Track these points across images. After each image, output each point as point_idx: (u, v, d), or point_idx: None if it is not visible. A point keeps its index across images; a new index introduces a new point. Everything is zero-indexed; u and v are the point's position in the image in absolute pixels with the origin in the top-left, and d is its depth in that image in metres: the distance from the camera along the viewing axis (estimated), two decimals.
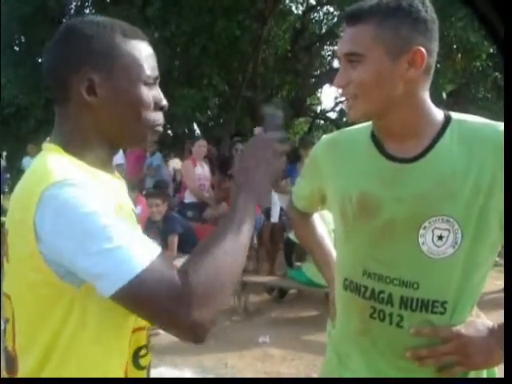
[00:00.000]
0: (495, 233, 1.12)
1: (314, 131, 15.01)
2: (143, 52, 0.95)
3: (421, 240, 1.12)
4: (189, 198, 5.70)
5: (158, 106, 0.97)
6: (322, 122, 15.36)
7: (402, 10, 1.05)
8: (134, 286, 0.79)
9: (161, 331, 3.48)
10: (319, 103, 16.92)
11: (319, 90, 15.19)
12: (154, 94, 0.96)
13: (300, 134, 15.58)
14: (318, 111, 15.86)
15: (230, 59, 9.49)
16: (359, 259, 1.22)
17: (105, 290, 0.81)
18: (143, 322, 0.97)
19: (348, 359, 1.28)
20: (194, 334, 0.83)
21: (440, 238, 1.11)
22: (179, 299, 0.80)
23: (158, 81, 0.98)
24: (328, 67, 13.87)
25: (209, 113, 8.79)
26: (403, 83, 1.08)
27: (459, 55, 7.89)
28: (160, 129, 1.00)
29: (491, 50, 8.27)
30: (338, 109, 15.61)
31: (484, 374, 1.19)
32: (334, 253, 1.45)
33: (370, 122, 1.21)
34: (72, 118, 0.95)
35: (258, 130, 1.25)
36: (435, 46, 1.09)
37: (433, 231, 1.12)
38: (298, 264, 4.84)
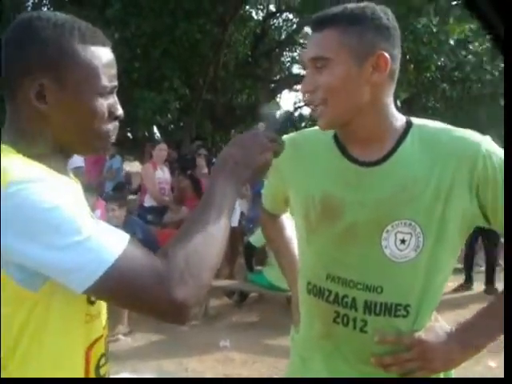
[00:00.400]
0: (455, 237, 1.13)
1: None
2: (102, 60, 0.90)
3: (384, 243, 1.12)
4: (149, 201, 5.61)
5: (112, 116, 0.93)
6: (262, 122, 15.44)
7: (365, 17, 1.07)
8: (111, 276, 0.77)
9: (121, 337, 3.44)
10: (278, 108, 17.06)
11: (278, 95, 15.31)
12: (109, 103, 0.91)
13: None
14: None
15: (191, 62, 9.44)
16: (322, 262, 1.21)
17: (78, 285, 0.77)
18: (102, 331, 0.95)
19: (311, 362, 1.27)
20: (177, 314, 0.81)
21: (402, 241, 1.11)
22: (159, 280, 0.79)
23: (115, 89, 0.93)
24: (287, 73, 14.01)
25: (169, 116, 8.71)
26: (369, 88, 1.08)
27: (411, 66, 8.15)
28: (113, 139, 0.95)
29: (439, 63, 8.60)
30: (296, 114, 15.83)
31: (441, 375, 1.20)
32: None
33: None
34: (21, 120, 0.89)
35: (260, 125, 1.26)
36: (398, 53, 1.10)
37: (395, 235, 1.12)
38: (259, 268, 4.84)
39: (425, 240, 1.11)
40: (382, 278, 1.14)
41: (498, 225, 1.12)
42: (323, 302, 1.20)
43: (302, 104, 16.98)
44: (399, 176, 1.12)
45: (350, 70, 1.07)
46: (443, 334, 1.15)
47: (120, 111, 0.94)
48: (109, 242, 0.78)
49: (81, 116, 0.88)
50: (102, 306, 0.96)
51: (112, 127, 0.93)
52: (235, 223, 6.18)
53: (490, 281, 5.53)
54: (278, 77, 13.89)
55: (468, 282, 5.62)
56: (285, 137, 1.35)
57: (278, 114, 1.23)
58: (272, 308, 4.95)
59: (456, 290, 5.40)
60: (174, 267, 0.80)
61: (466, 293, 5.39)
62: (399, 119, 1.15)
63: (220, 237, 0.87)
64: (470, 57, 9.17)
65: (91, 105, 0.88)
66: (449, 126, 1.15)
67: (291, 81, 13.71)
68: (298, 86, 16.38)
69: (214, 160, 6.85)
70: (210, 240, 0.85)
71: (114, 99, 0.93)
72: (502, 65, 9.32)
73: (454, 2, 8.26)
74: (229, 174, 0.94)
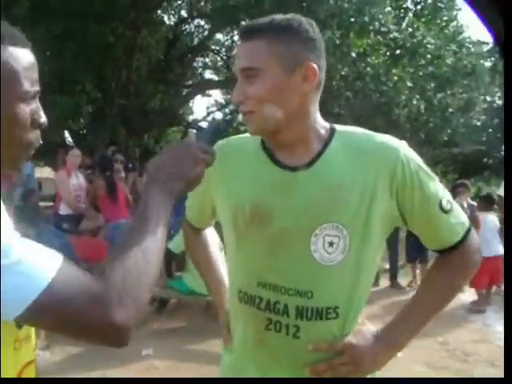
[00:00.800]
0: (378, 238, 1.17)
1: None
2: (23, 62, 0.80)
3: (313, 248, 1.13)
4: (64, 209, 5.35)
5: (35, 124, 0.83)
6: (195, 131, 15.35)
7: (292, 29, 1.08)
8: (44, 301, 0.70)
9: (39, 352, 3.24)
10: (191, 113, 16.96)
11: (191, 101, 15.21)
12: (31, 109, 0.82)
13: (173, 142, 15.46)
14: (191, 120, 15.87)
15: (104, 66, 9.12)
16: (253, 270, 1.20)
17: (10, 312, 0.71)
18: (32, 355, 0.88)
19: (245, 372, 1.26)
20: (117, 337, 0.76)
21: (331, 244, 1.13)
22: (97, 303, 0.73)
23: (38, 95, 0.84)
24: (200, 78, 13.96)
25: (81, 120, 8.36)
26: (297, 97, 1.09)
27: None
28: (34, 148, 0.86)
29: (343, 73, 9.03)
30: (209, 118, 15.80)
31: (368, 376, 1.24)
32: (225, 276, 1.40)
33: None
34: None
35: (191, 135, 1.20)
36: (324, 64, 1.13)
37: (324, 238, 1.12)
38: (178, 274, 4.79)
39: (351, 242, 1.13)
40: (312, 282, 1.15)
41: (415, 227, 1.19)
42: (255, 310, 1.19)
43: (214, 109, 17.09)
44: (325, 180, 1.13)
45: (279, 81, 1.08)
46: (370, 336, 1.20)
47: (43, 118, 0.85)
48: (41, 265, 0.71)
49: (1, 124, 0.78)
50: (31, 328, 0.88)
51: (35, 136, 0.84)
52: None
53: (393, 276, 5.89)
54: (190, 82, 13.81)
55: (376, 280, 5.94)
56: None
57: (209, 123, 1.21)
58: (192, 313, 4.93)
59: None
60: (112, 288, 0.75)
61: (373, 289, 5.69)
62: (323, 125, 1.18)
63: (158, 252, 0.83)
64: (368, 69, 9.70)
65: (12, 111, 0.79)
66: (369, 132, 1.19)
67: (204, 86, 13.70)
68: (211, 91, 16.47)
69: (129, 165, 6.67)
70: (148, 256, 0.81)
71: (36, 105, 0.83)
72: (396, 78, 10.04)
73: (353, 19, 8.72)
74: (163, 186, 0.90)
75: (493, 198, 6.20)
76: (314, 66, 1.09)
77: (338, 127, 1.20)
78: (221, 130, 1.15)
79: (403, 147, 1.15)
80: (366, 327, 1.23)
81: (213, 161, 1.02)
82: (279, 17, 1.10)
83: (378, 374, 1.27)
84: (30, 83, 0.81)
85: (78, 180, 5.54)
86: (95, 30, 8.02)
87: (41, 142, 0.87)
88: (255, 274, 1.19)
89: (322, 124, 1.18)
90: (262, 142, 1.20)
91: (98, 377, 3.43)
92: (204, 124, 15.55)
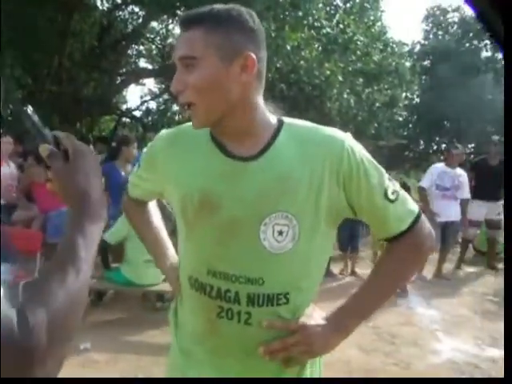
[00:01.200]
0: (327, 228, 1.19)
1: (121, 129, 14.55)
2: None
3: (262, 236, 1.13)
4: None
5: None
6: (128, 120, 14.94)
7: (231, 18, 1.07)
8: None
9: None
10: (125, 101, 16.47)
11: (125, 89, 14.74)
12: None
13: (106, 131, 14.97)
14: (124, 109, 15.40)
15: (34, 51, 8.60)
16: (203, 258, 1.19)
17: None
18: None
19: (195, 357, 1.26)
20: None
21: (280, 233, 1.13)
22: (19, 354, 0.62)
23: None
24: (134, 66, 13.55)
25: (10, 106, 7.85)
26: (237, 87, 1.08)
27: None
28: None
29: (278, 65, 9.10)
30: (143, 108, 15.42)
31: (316, 362, 1.28)
32: (169, 244, 1.42)
33: None
34: None
35: (44, 147, 0.92)
36: (264, 55, 1.12)
37: (273, 227, 1.13)
38: (115, 265, 4.65)
39: (300, 231, 1.14)
40: (263, 269, 1.15)
41: (363, 217, 1.21)
42: (206, 297, 1.19)
43: (148, 98, 16.67)
44: (274, 170, 1.13)
45: (217, 70, 1.06)
46: (321, 319, 1.22)
47: None
48: None
49: None
50: None
51: None
52: None
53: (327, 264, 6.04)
54: (124, 70, 13.37)
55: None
56: (162, 132, 1.30)
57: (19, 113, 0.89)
58: (130, 305, 4.80)
59: None
60: (36, 337, 0.63)
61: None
62: (270, 118, 1.17)
63: (85, 290, 0.73)
64: (302, 62, 9.83)
65: None
66: (315, 125, 1.20)
67: (138, 75, 13.32)
68: (145, 80, 16.07)
69: None
70: (76, 297, 0.70)
71: None
72: (328, 72, 10.28)
73: (287, 13, 8.79)
74: (90, 212, 0.79)
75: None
76: (253, 55, 1.07)
77: (286, 119, 1.20)
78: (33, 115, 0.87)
79: (348, 139, 1.17)
80: (316, 311, 1.25)
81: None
82: (219, 6, 1.08)
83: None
84: None
85: (9, 169, 5.22)
86: (24, 12, 7.54)
87: None
88: (205, 262, 1.19)
89: (268, 116, 1.17)
90: (210, 131, 1.19)
91: None
92: (137, 113, 15.16)
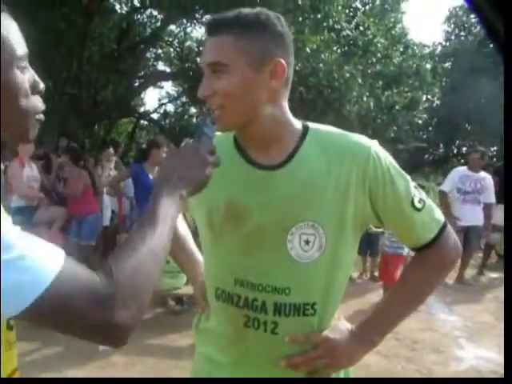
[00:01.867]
0: (352, 236, 1.17)
1: (138, 131, 14.68)
2: (11, 28, 0.77)
3: (289, 245, 1.13)
4: (16, 201, 5.09)
5: (35, 90, 0.81)
6: (146, 122, 15.09)
7: (260, 24, 1.06)
8: (47, 299, 0.68)
9: None
10: (143, 104, 16.61)
11: (143, 92, 14.88)
12: (29, 77, 0.80)
13: (124, 134, 15.12)
14: (142, 112, 15.54)
15: (54, 54, 8.73)
16: (229, 268, 1.19)
17: (10, 309, 0.68)
18: (15, 364, 0.85)
19: (219, 368, 1.25)
20: (117, 339, 0.75)
21: (307, 242, 1.13)
22: (100, 304, 0.72)
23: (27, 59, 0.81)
24: (152, 69, 13.67)
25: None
26: (266, 93, 1.08)
27: None
28: (42, 117, 0.84)
29: (297, 68, 9.09)
30: (161, 110, 15.53)
31: (341, 374, 1.26)
32: (197, 253, 1.41)
33: None
34: None
35: (187, 140, 1.18)
36: (292, 60, 1.11)
37: (300, 236, 1.12)
38: None
39: (327, 240, 1.13)
40: (290, 279, 1.15)
41: (389, 225, 1.20)
42: (233, 307, 1.19)
43: (166, 101, 16.80)
44: (300, 178, 1.13)
45: (247, 77, 1.05)
46: (346, 331, 1.21)
47: (42, 84, 0.83)
48: (44, 261, 0.69)
49: (4, 95, 0.75)
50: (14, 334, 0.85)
51: (38, 102, 0.82)
52: (107, 222, 5.91)
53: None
54: (143, 73, 13.49)
55: None
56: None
57: (203, 122, 1.16)
58: (149, 308, 4.83)
59: None
60: (118, 290, 0.73)
61: None
62: (296, 123, 1.17)
63: (163, 255, 0.82)
64: (321, 65, 9.81)
65: (12, 79, 0.76)
66: (341, 131, 1.19)
67: (156, 77, 13.43)
68: (163, 83, 16.18)
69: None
70: (155, 259, 0.79)
71: (31, 72, 0.81)
72: (347, 75, 10.24)
73: (307, 16, 8.80)
74: (172, 189, 0.90)
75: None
76: (283, 61, 1.07)
77: (311, 125, 1.19)
78: (215, 124, 1.08)
79: (375, 146, 1.16)
80: (342, 323, 1.24)
81: (219, 162, 1.02)
82: (246, 11, 1.07)
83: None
84: (22, 49, 0.78)
85: (31, 170, 5.30)
86: (45, 16, 7.65)
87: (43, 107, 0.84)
88: (232, 272, 1.19)
89: (293, 121, 1.17)
90: (234, 141, 1.18)
91: (54, 376, 3.31)
92: (155, 116, 15.30)
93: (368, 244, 6.11)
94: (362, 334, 1.21)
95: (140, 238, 0.80)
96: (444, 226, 1.21)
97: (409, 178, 1.20)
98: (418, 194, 1.18)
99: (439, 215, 1.22)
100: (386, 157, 1.16)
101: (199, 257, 1.39)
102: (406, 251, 4.94)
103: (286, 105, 1.14)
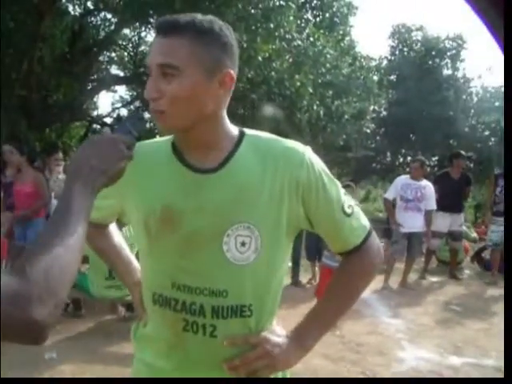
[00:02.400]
0: (286, 239, 1.19)
1: (91, 135, 14.27)
2: None
3: (225, 248, 1.13)
4: None
5: None
6: (99, 126, 14.70)
7: (214, 32, 1.05)
8: None
9: None
10: (96, 108, 16.19)
11: (96, 96, 14.51)
12: None
13: (76, 137, 14.69)
14: (95, 116, 15.16)
15: (2, 54, 8.37)
16: (167, 272, 1.17)
17: None
18: None
19: (159, 373, 1.23)
20: (35, 336, 0.74)
21: (243, 244, 1.13)
22: (15, 300, 0.69)
23: None
24: (105, 73, 13.36)
25: None
26: (212, 102, 1.08)
27: None
28: None
29: (249, 76, 9.15)
30: (114, 115, 15.19)
31: (279, 374, 1.26)
32: (134, 260, 1.40)
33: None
34: None
35: (105, 130, 1.16)
36: (236, 71, 1.11)
37: (236, 238, 1.12)
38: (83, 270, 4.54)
39: (262, 242, 1.14)
40: (226, 281, 1.15)
41: (320, 229, 1.22)
42: (171, 312, 1.18)
43: (119, 105, 16.46)
44: (236, 181, 1.13)
45: (198, 83, 1.05)
46: (283, 334, 1.23)
47: None
48: None
49: None
50: None
51: None
52: None
53: (296, 274, 6.08)
54: (95, 76, 13.16)
55: None
56: None
57: (128, 116, 1.16)
58: (98, 314, 4.70)
59: None
60: (32, 286, 0.71)
61: None
62: (233, 129, 1.18)
63: (78, 249, 0.80)
64: (273, 73, 9.89)
65: None
66: (276, 137, 1.20)
67: (109, 81, 13.12)
68: (117, 87, 15.84)
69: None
70: (70, 252, 0.78)
71: None
72: (298, 83, 10.38)
73: (259, 24, 8.85)
74: (85, 180, 0.87)
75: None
76: (232, 72, 1.08)
77: (248, 131, 1.20)
78: (141, 120, 1.11)
79: (308, 152, 1.18)
80: (279, 328, 1.26)
81: (133, 156, 1.01)
82: (200, 17, 1.06)
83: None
84: None
85: None
86: None
87: None
88: (169, 276, 1.17)
89: (230, 127, 1.17)
90: (172, 146, 1.18)
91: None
92: (108, 120, 14.97)
93: (317, 249, 6.20)
94: (297, 335, 1.23)
95: (54, 233, 0.78)
96: (369, 233, 1.25)
97: (339, 184, 1.23)
98: (348, 200, 1.22)
99: (365, 222, 1.26)
100: (319, 163, 1.19)
101: (136, 264, 1.37)
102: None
103: (225, 114, 1.15)
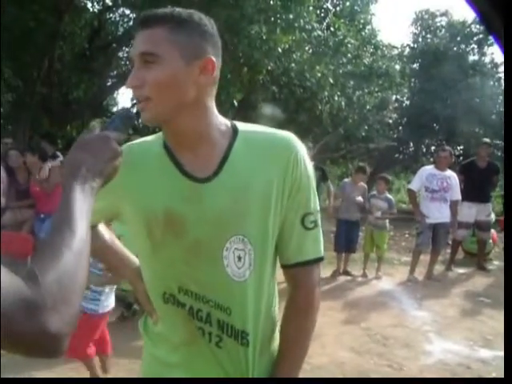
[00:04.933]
0: (272, 250, 1.15)
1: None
2: None
3: (225, 262, 1.10)
4: None
5: None
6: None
7: (193, 21, 1.07)
8: None
9: None
10: (116, 104, 16.37)
11: (116, 92, 14.64)
12: None
13: None
14: (115, 112, 15.31)
15: (24, 53, 8.51)
16: (173, 275, 1.15)
17: None
18: None
19: (171, 365, 1.22)
20: (52, 348, 0.70)
21: (239, 259, 1.10)
22: (29, 311, 0.66)
23: None
24: (125, 69, 13.46)
25: (1, 110, 7.76)
26: (194, 88, 1.07)
27: (245, 69, 8.49)
28: None
29: (269, 68, 9.11)
30: (134, 110, 15.31)
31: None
32: (132, 256, 1.33)
33: (161, 133, 1.17)
34: None
35: (93, 124, 1.15)
36: (219, 61, 1.11)
37: (233, 252, 1.10)
38: None
39: (255, 256, 1.12)
40: (229, 298, 1.13)
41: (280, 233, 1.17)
42: (182, 311, 1.16)
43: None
44: (232, 187, 1.11)
45: (178, 69, 1.05)
46: None
47: None
48: None
49: None
50: None
51: None
52: None
53: None
54: (115, 72, 13.27)
55: None
56: None
57: (117, 112, 1.15)
58: None
59: None
60: (46, 294, 0.68)
61: None
62: (223, 123, 1.15)
63: (87, 254, 0.79)
64: (293, 65, 9.83)
65: None
66: (267, 129, 1.18)
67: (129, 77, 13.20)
68: None
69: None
70: (79, 259, 0.75)
71: None
72: (319, 74, 10.29)
73: (279, 16, 8.79)
74: (82, 182, 0.87)
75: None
76: (213, 58, 1.08)
77: (240, 126, 1.17)
78: (131, 118, 1.09)
79: (298, 150, 1.15)
80: None
81: (122, 152, 1.00)
82: (179, 9, 1.08)
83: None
84: None
85: None
86: (14, 14, 7.45)
87: None
88: (175, 279, 1.15)
89: (221, 120, 1.15)
90: (164, 144, 1.15)
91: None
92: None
93: (346, 242, 6.16)
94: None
95: (60, 239, 0.76)
96: (319, 261, 1.20)
97: (317, 198, 1.19)
98: (315, 216, 1.18)
99: (320, 248, 1.20)
100: (306, 165, 1.16)
101: (135, 259, 1.32)
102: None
103: (213, 104, 1.13)
